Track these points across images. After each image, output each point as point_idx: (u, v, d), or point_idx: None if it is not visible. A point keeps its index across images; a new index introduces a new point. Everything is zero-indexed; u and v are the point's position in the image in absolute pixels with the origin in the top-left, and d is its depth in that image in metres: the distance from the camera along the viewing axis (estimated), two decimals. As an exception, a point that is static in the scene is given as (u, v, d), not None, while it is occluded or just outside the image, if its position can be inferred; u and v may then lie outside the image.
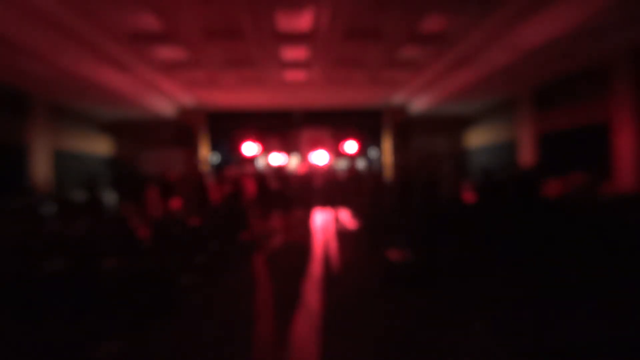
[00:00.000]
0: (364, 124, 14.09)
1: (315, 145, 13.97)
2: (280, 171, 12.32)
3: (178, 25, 6.77)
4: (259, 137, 13.64)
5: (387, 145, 14.05)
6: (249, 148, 13.48)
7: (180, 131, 13.28)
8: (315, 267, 4.73)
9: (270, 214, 9.16)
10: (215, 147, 14.26)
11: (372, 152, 14.68)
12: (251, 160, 13.98)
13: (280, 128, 14.22)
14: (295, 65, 9.18)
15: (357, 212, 8.54)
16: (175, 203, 7.31)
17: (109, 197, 7.79)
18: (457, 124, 13.76)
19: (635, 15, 5.53)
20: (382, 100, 12.87)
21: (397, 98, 12.51)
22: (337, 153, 14.11)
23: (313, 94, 11.93)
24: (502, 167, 10.88)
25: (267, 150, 14.03)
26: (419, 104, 12.47)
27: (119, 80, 8.93)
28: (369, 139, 14.33)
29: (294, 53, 8.42)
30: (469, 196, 5.94)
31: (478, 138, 13.11)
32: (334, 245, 6.00)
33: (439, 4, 6.26)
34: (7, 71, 7.37)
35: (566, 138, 8.75)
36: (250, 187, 8.82)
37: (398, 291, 3.86)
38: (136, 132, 13.04)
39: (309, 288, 3.93)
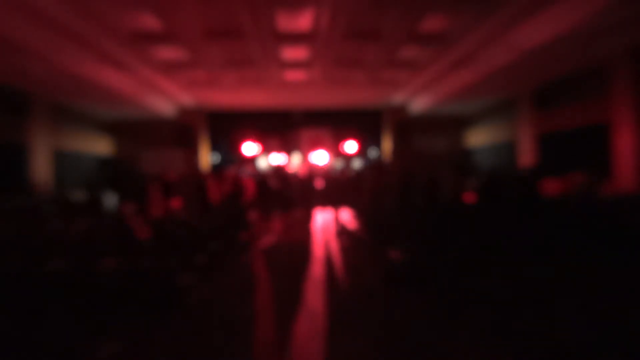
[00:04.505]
0: (364, 124, 14.10)
1: (315, 145, 13.97)
2: (280, 171, 12.34)
3: (178, 25, 6.77)
4: (259, 137, 13.65)
5: (387, 145, 14.06)
6: (249, 148, 13.48)
7: (180, 131, 13.29)
8: (316, 267, 4.73)
9: (270, 214, 9.17)
10: (215, 147, 14.27)
11: (372, 152, 14.68)
12: (251, 160, 13.99)
13: (280, 128, 14.22)
14: (295, 65, 9.18)
15: (357, 212, 8.54)
16: (176, 203, 7.31)
17: (109, 197, 7.79)
18: (457, 124, 13.76)
19: (635, 15, 5.53)
20: (382, 100, 12.88)
21: (397, 98, 12.52)
22: (337, 153, 14.12)
23: (313, 94, 11.93)
24: (502, 167, 10.91)
25: (267, 150, 14.04)
26: (419, 104, 12.48)
27: (119, 80, 8.93)
28: (369, 139, 14.34)
29: (294, 53, 8.42)
30: (469, 196, 5.95)
31: (478, 138, 13.12)
32: (334, 246, 5.99)
33: (439, 4, 6.27)
34: (7, 71, 7.37)
35: (566, 138, 8.75)
36: (250, 187, 8.82)
37: (399, 291, 3.86)
38: (136, 132, 13.04)
39: (309, 288, 3.93)
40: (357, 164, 14.51)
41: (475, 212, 5.26)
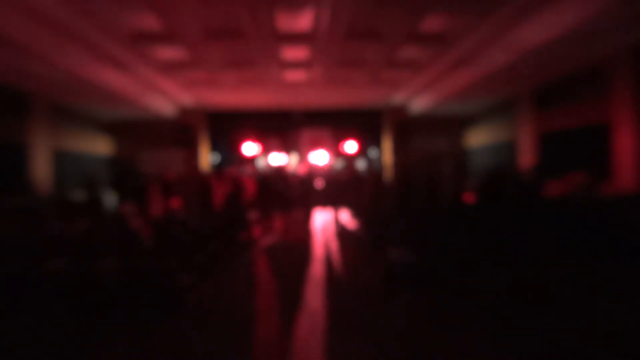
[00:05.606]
0: (364, 124, 14.09)
1: (315, 145, 13.97)
2: (280, 171, 12.34)
3: (178, 25, 6.77)
4: (259, 137, 13.65)
5: (387, 145, 14.05)
6: (249, 148, 13.48)
7: (180, 131, 13.27)
8: (316, 268, 4.73)
9: (270, 214, 9.17)
10: (215, 147, 14.26)
11: (372, 152, 14.68)
12: (251, 160, 13.99)
13: (280, 128, 14.22)
14: (296, 65, 9.17)
15: (357, 212, 8.54)
16: (176, 203, 7.31)
17: (109, 197, 7.78)
18: (457, 124, 13.75)
19: (635, 15, 5.53)
20: (382, 100, 12.87)
21: (397, 98, 12.51)
22: (337, 153, 14.12)
23: (313, 94, 11.92)
24: (503, 167, 10.89)
25: (267, 150, 14.03)
26: (419, 104, 12.47)
27: (119, 80, 8.93)
28: (369, 139, 14.34)
29: (294, 53, 8.42)
30: (469, 196, 5.94)
31: (478, 138, 13.11)
32: (334, 246, 5.99)
33: (439, 4, 6.26)
34: (7, 71, 7.36)
35: (566, 138, 8.75)
36: (250, 187, 8.82)
37: (399, 291, 3.85)
38: (136, 132, 13.02)
39: (309, 289, 3.93)
40: (359, 164, 14.52)
41: (475, 212, 5.26)
